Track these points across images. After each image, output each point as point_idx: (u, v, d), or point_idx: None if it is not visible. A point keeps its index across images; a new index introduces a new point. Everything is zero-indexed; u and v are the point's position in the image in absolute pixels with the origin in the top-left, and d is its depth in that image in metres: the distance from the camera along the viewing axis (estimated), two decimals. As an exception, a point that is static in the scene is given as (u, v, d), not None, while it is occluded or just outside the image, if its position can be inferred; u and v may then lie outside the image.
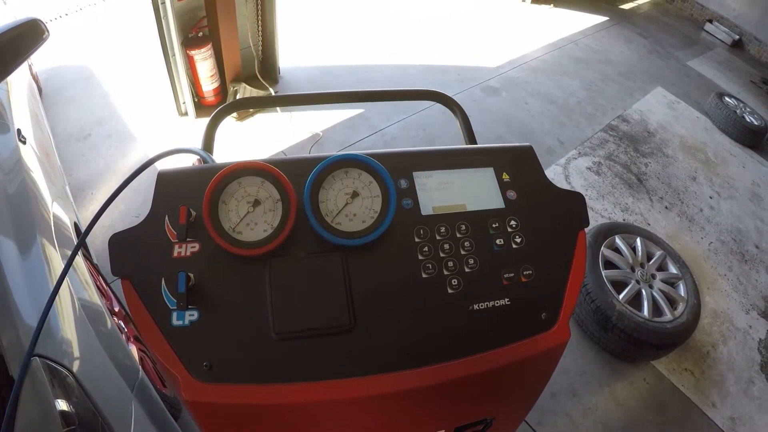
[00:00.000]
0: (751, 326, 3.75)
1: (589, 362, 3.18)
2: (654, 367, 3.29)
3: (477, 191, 1.14)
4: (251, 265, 0.98)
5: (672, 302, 3.30)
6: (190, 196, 1.01)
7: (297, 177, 1.03)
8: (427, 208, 1.09)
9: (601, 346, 3.21)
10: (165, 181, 1.04)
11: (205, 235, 0.97)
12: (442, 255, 1.05)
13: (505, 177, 1.17)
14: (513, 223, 1.12)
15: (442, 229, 1.08)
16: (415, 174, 1.13)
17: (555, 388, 3.00)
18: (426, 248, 1.05)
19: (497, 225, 1.11)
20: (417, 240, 1.06)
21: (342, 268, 1.00)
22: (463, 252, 1.06)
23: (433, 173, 1.14)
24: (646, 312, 3.14)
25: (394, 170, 1.09)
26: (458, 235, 1.08)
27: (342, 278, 0.99)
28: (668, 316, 3.16)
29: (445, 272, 1.04)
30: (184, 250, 0.97)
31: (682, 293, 3.36)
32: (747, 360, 3.51)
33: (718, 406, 3.18)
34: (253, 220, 0.99)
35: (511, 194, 1.15)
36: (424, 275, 1.03)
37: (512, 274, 1.07)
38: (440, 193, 1.12)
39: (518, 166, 1.20)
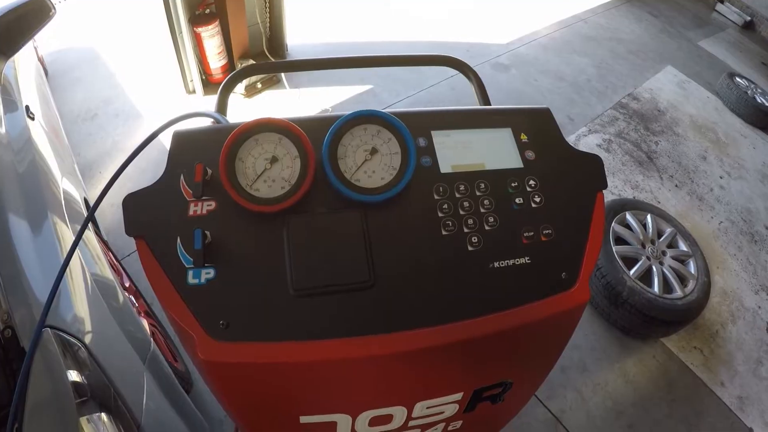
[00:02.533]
0: (760, 306, 3.74)
1: (599, 338, 3.18)
2: (663, 345, 3.28)
3: (495, 151, 1.13)
4: (269, 223, 0.96)
5: (682, 279, 3.29)
6: (206, 155, 1.00)
7: (315, 134, 1.02)
8: (446, 166, 1.08)
9: (611, 322, 3.20)
10: (180, 140, 1.02)
11: (222, 193, 0.96)
12: (461, 212, 1.04)
13: (523, 137, 1.16)
14: (532, 182, 1.10)
15: (461, 187, 1.06)
16: (433, 132, 1.11)
17: (565, 362, 3.00)
18: (445, 205, 1.04)
19: (516, 184, 1.10)
20: (436, 197, 1.05)
21: (361, 224, 0.99)
22: (482, 210, 1.05)
23: (452, 132, 1.13)
24: (656, 288, 3.13)
25: (413, 128, 1.08)
26: (477, 194, 1.06)
27: (361, 235, 0.98)
28: (679, 293, 3.14)
29: (465, 230, 1.03)
30: (200, 208, 0.96)
31: (693, 271, 3.35)
32: (756, 340, 3.51)
33: (727, 385, 3.18)
34: (270, 177, 0.97)
35: (530, 154, 1.14)
36: (444, 232, 1.02)
37: (532, 233, 1.06)
38: (459, 151, 1.11)
39: (536, 127, 1.18)
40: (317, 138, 1.01)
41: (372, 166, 1.02)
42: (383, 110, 1.06)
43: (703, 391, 3.12)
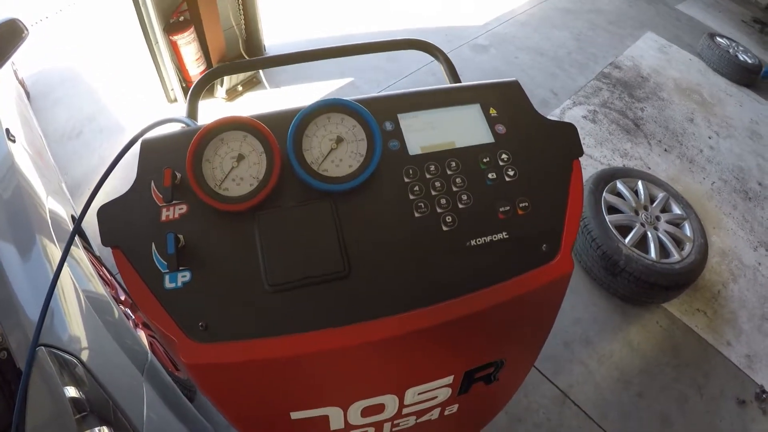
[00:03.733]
0: (760, 263, 3.75)
1: (600, 309, 3.18)
2: (666, 310, 3.29)
3: (465, 128, 1.12)
4: (240, 221, 0.96)
5: (678, 243, 3.29)
6: (174, 159, 1.00)
7: (280, 128, 1.01)
8: (414, 148, 1.07)
9: (611, 292, 3.20)
10: (148, 148, 1.02)
11: (192, 196, 0.95)
12: (433, 193, 1.03)
13: (493, 112, 1.15)
14: (504, 156, 1.09)
15: (432, 168, 1.05)
16: (400, 116, 1.10)
17: (568, 337, 3.00)
18: (416, 188, 1.03)
19: (488, 159, 1.08)
20: (407, 180, 1.04)
21: (332, 214, 0.98)
22: (455, 188, 1.04)
23: (419, 113, 1.12)
24: (653, 254, 3.13)
25: (378, 113, 1.07)
26: (449, 172, 1.05)
27: (333, 224, 0.97)
28: (676, 256, 3.15)
29: (439, 210, 1.02)
30: (172, 212, 0.96)
31: (688, 233, 3.35)
32: (758, 297, 3.51)
33: (733, 345, 3.19)
34: (238, 175, 0.97)
35: (500, 128, 1.13)
36: (416, 215, 1.01)
37: (508, 208, 1.05)
38: (427, 132, 1.10)
39: (505, 100, 1.17)
40: (284, 132, 1.01)
41: (338, 154, 1.01)
42: (349, 98, 1.05)
43: (710, 353, 3.12)
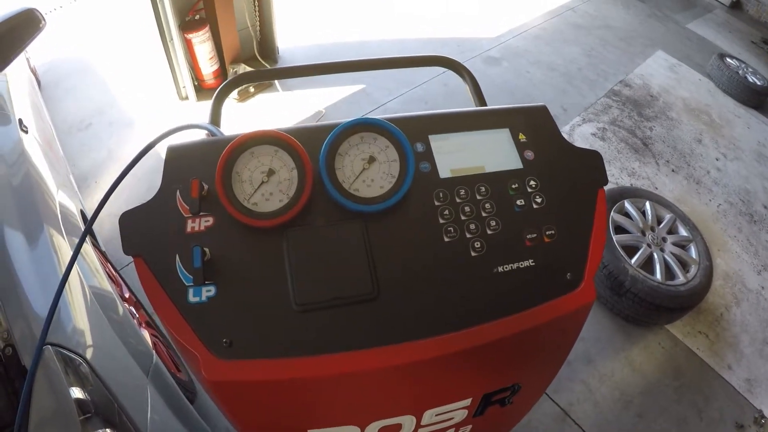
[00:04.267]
0: (763, 287, 3.74)
1: (603, 328, 3.17)
2: (668, 331, 3.28)
3: (494, 152, 1.12)
4: (268, 237, 0.95)
5: (684, 265, 3.28)
6: (201, 169, 0.98)
7: (311, 145, 1.00)
8: (445, 170, 1.07)
9: (615, 312, 3.19)
10: (175, 155, 1.00)
11: (219, 208, 0.94)
12: (463, 218, 1.03)
13: (522, 137, 1.14)
14: (532, 183, 1.09)
15: (462, 192, 1.05)
16: (431, 137, 1.10)
17: (570, 355, 2.95)
18: (446, 211, 1.03)
19: (517, 186, 1.08)
20: (437, 203, 1.03)
21: (362, 235, 0.98)
22: (484, 214, 1.04)
23: (450, 136, 1.11)
24: (658, 275, 3.12)
25: (410, 134, 1.06)
26: (478, 197, 1.05)
27: (363, 246, 0.97)
28: (681, 278, 3.14)
29: (468, 235, 1.02)
30: (197, 224, 0.95)
31: (694, 255, 3.34)
32: (761, 321, 3.51)
33: (734, 368, 3.18)
34: (268, 190, 0.96)
35: (529, 154, 1.13)
36: (446, 239, 1.01)
37: (535, 235, 1.05)
38: (457, 155, 1.09)
39: (534, 126, 1.17)
40: (314, 148, 1.00)
41: (370, 174, 1.01)
42: (379, 116, 1.04)
43: (710, 376, 3.11)
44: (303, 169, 0.96)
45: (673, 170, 4.53)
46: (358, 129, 1.02)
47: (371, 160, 1.01)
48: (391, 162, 1.02)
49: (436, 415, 1.15)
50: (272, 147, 0.98)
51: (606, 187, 3.41)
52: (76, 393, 1.27)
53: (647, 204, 3.51)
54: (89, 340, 1.48)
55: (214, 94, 1.37)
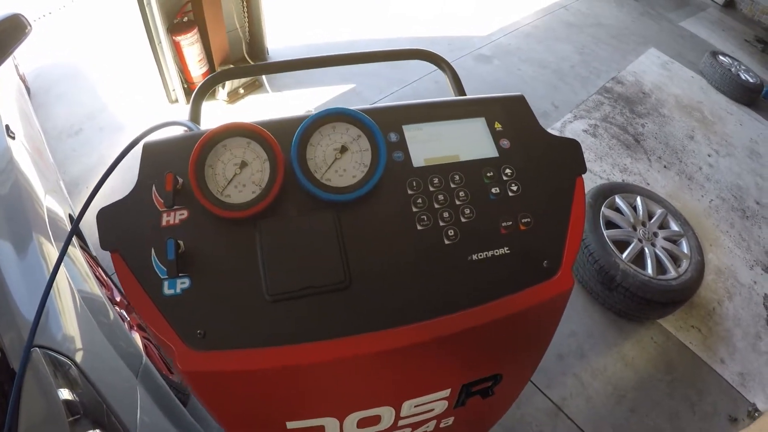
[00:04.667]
0: (755, 282, 3.75)
1: (595, 323, 3.18)
2: (661, 326, 3.29)
3: (469, 141, 1.12)
4: (241, 228, 0.96)
5: (675, 259, 3.29)
6: (177, 164, 0.99)
7: (283, 136, 1.01)
8: (418, 160, 1.07)
9: (607, 307, 3.20)
10: (150, 151, 1.01)
11: (194, 201, 0.95)
12: (436, 206, 1.03)
13: (498, 126, 1.15)
14: (508, 171, 1.09)
15: (436, 180, 1.05)
16: (404, 127, 1.10)
17: (563, 350, 3.00)
18: (420, 200, 1.03)
19: (492, 174, 1.08)
20: (410, 192, 1.04)
21: (334, 224, 0.98)
22: (458, 202, 1.04)
23: (423, 125, 1.11)
24: (650, 270, 3.13)
25: (383, 124, 1.06)
26: (452, 186, 1.05)
27: (335, 235, 0.97)
28: (672, 273, 3.15)
29: (441, 223, 1.02)
30: (172, 218, 0.95)
31: (685, 250, 3.35)
32: (753, 315, 3.52)
33: (727, 362, 3.19)
34: (241, 182, 0.96)
35: (505, 143, 1.13)
36: (419, 227, 1.01)
37: (510, 223, 1.05)
38: (432, 144, 1.10)
39: (510, 115, 1.17)
40: (288, 140, 1.00)
41: (342, 164, 1.01)
42: (353, 107, 1.05)
43: (703, 370, 3.12)
44: (275, 160, 0.97)
45: (665, 166, 4.54)
46: (329, 119, 1.02)
47: (343, 149, 1.02)
48: (363, 151, 1.02)
49: (415, 407, 1.15)
50: (244, 139, 0.98)
51: (597, 183, 3.43)
52: (65, 395, 1.27)
53: (638, 199, 3.53)
54: (78, 344, 1.48)
55: (195, 91, 1.38)
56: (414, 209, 1.02)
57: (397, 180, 1.04)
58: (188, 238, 0.93)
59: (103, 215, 0.94)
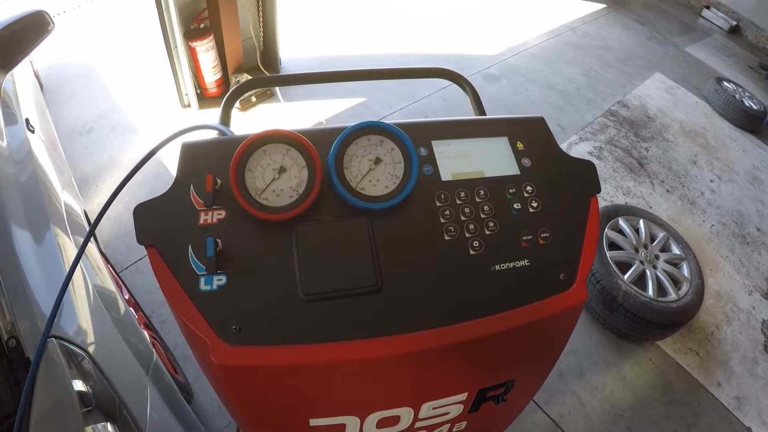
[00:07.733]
0: (754, 307, 3.78)
1: (595, 343, 3.21)
2: (659, 348, 3.31)
3: (493, 159, 1.18)
4: (278, 231, 1.00)
5: (676, 282, 3.32)
6: (214, 166, 1.03)
7: (320, 145, 1.06)
8: (446, 174, 1.13)
9: (607, 327, 3.23)
10: (189, 152, 1.05)
11: (232, 202, 0.99)
12: (462, 218, 1.08)
13: (519, 146, 1.20)
14: (529, 188, 1.15)
15: (462, 194, 1.11)
16: (434, 142, 1.16)
17: (562, 368, 3.02)
18: (447, 212, 1.08)
19: (514, 190, 1.14)
20: (438, 204, 1.09)
21: (367, 231, 1.03)
22: (482, 215, 1.10)
23: (451, 142, 1.17)
24: (651, 292, 3.16)
25: (414, 138, 1.12)
26: (477, 200, 1.11)
27: (368, 241, 1.02)
28: (673, 296, 3.18)
29: (467, 234, 1.07)
30: (210, 217, 0.99)
31: (686, 274, 3.38)
32: (751, 340, 3.55)
33: (724, 386, 3.21)
34: (278, 186, 1.01)
35: (526, 162, 1.19)
36: (446, 237, 1.06)
37: (530, 237, 1.10)
38: (458, 160, 1.15)
39: (531, 135, 1.23)
40: (322, 149, 1.06)
41: (376, 175, 1.06)
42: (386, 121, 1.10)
43: (700, 392, 3.14)
44: (313, 167, 1.02)
45: (667, 190, 4.58)
46: (366, 131, 1.07)
47: (377, 161, 1.07)
48: (396, 164, 1.07)
49: (433, 409, 1.19)
50: (284, 146, 1.03)
51: (601, 205, 3.47)
52: (78, 386, 1.28)
53: (641, 222, 3.57)
54: (92, 337, 1.49)
55: (225, 97, 1.42)
56: (442, 220, 1.08)
57: (426, 192, 1.10)
58: (225, 238, 0.98)
59: (140, 211, 0.99)
